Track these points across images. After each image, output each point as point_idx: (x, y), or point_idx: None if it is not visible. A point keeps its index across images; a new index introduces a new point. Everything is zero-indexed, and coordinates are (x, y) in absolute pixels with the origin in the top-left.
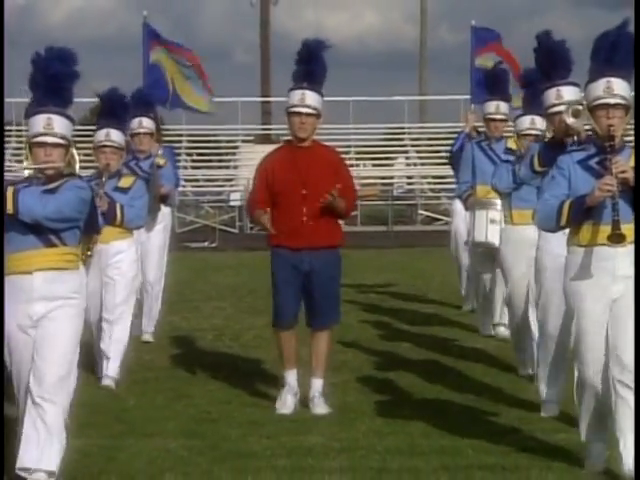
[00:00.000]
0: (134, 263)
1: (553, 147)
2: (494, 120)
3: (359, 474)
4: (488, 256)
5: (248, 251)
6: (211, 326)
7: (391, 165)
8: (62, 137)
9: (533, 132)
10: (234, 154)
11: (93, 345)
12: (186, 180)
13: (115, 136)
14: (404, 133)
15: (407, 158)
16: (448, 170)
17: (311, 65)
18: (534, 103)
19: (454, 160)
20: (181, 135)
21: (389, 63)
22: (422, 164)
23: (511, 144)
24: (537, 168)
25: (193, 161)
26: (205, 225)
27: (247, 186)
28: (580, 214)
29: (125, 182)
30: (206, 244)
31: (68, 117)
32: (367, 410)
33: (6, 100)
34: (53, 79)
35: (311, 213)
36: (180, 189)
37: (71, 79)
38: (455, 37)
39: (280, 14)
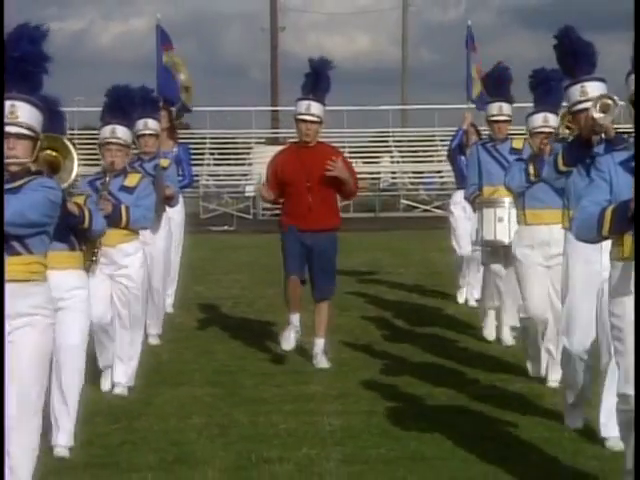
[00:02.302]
0: (142, 266)
1: (579, 146)
2: (498, 122)
3: (351, 416)
4: (497, 254)
5: (260, 234)
6: (230, 295)
7: (378, 163)
8: (28, 128)
9: (546, 130)
10: (248, 153)
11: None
12: (209, 175)
13: (121, 133)
14: (389, 136)
15: (391, 157)
16: (425, 166)
17: (318, 80)
18: (547, 100)
19: (453, 156)
20: (205, 137)
21: (377, 78)
22: (404, 162)
23: (516, 144)
24: (561, 168)
25: (215, 159)
26: (225, 212)
27: (260, 180)
28: (624, 222)
29: (131, 180)
30: (225, 228)
31: (36, 105)
32: (358, 364)
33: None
34: (20, 61)
35: (314, 201)
36: (204, 182)
37: (40, 62)
38: (431, 57)
39: (287, 39)
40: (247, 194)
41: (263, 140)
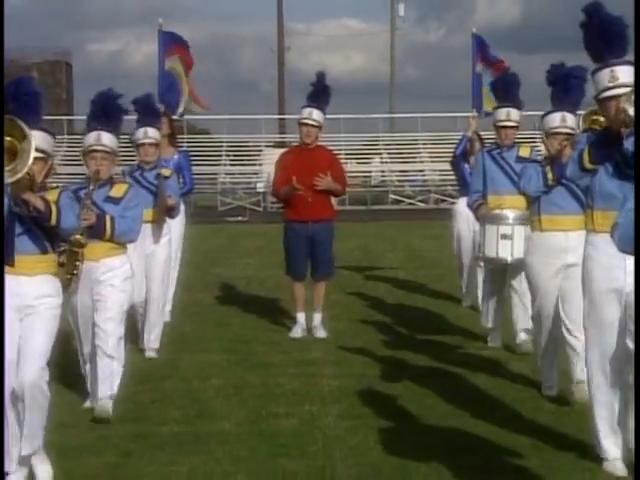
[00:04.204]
0: (128, 281)
1: (607, 140)
2: (505, 127)
3: (347, 378)
4: (500, 270)
5: (269, 223)
6: (243, 275)
7: (369, 163)
8: None
9: (564, 130)
10: (259, 155)
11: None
12: (226, 173)
13: (106, 140)
14: (379, 140)
15: (381, 158)
16: (410, 166)
17: (320, 92)
18: (564, 100)
19: (456, 163)
20: (222, 141)
21: (369, 91)
22: (392, 162)
23: (523, 152)
24: (587, 165)
25: (231, 160)
26: (239, 205)
27: (269, 178)
28: None
29: (117, 191)
30: (239, 218)
31: None
32: (353, 334)
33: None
34: None
35: (314, 195)
36: (221, 180)
37: None
38: (415, 73)
39: (292, 57)
40: (258, 190)
41: (272, 144)
